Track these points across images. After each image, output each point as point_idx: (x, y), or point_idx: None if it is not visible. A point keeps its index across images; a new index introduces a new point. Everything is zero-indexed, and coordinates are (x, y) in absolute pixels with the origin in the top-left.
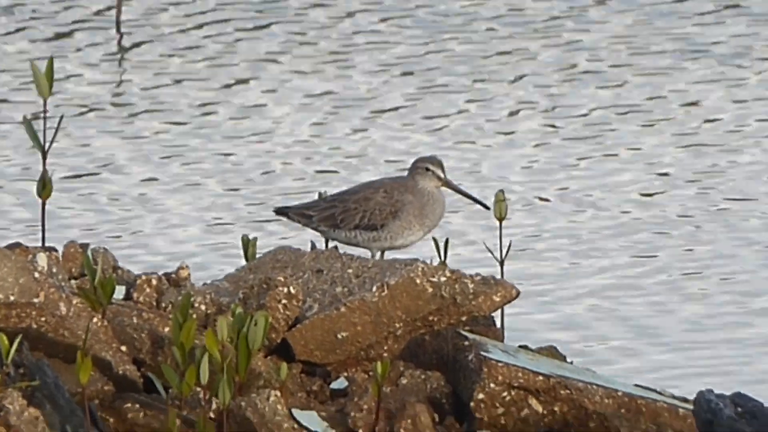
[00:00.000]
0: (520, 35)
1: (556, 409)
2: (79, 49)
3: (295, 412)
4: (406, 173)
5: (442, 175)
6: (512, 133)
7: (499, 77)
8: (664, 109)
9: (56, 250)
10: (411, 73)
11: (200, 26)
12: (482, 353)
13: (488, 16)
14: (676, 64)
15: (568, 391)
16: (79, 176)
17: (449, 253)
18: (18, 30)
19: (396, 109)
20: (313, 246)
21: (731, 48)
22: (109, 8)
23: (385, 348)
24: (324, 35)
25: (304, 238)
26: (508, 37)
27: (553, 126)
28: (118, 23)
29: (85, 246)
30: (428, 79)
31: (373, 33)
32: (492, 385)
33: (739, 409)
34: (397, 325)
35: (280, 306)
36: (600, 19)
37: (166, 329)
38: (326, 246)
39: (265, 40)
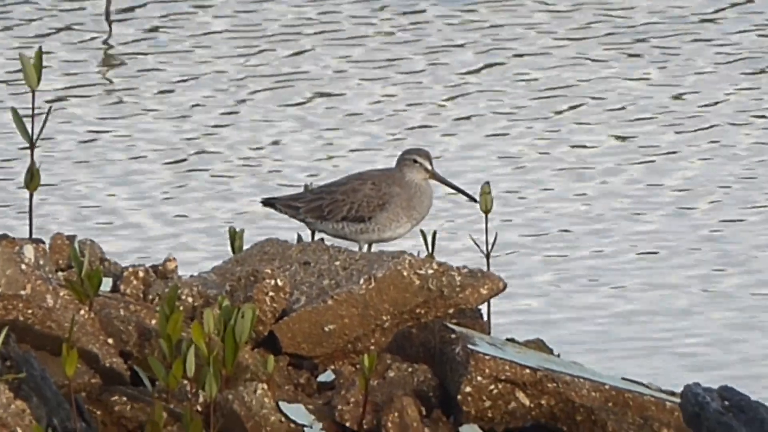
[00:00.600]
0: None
1: (543, 402)
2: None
3: (282, 405)
4: (393, 165)
5: (429, 167)
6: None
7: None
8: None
9: (43, 242)
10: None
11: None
12: (469, 346)
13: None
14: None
15: (555, 385)
16: (63, 164)
17: (436, 245)
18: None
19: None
20: (300, 238)
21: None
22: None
23: (372, 341)
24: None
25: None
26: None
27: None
28: (107, 13)
29: (72, 238)
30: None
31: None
32: (479, 378)
33: (727, 403)
34: (385, 318)
35: (267, 298)
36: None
37: (153, 321)
38: (313, 238)
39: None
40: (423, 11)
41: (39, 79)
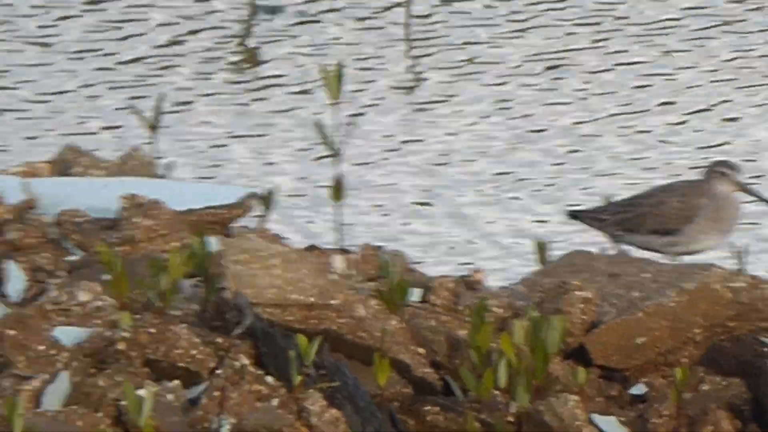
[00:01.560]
0: None
1: None
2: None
3: (595, 416)
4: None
5: (739, 180)
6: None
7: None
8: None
9: (350, 252)
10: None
11: None
12: None
13: None
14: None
15: None
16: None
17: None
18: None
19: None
20: (609, 249)
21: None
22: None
23: (685, 354)
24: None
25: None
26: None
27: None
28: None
29: (380, 248)
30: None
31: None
32: None
33: None
34: (696, 331)
35: (575, 310)
36: None
37: (462, 332)
38: (618, 250)
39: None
40: None
41: (340, 92)
